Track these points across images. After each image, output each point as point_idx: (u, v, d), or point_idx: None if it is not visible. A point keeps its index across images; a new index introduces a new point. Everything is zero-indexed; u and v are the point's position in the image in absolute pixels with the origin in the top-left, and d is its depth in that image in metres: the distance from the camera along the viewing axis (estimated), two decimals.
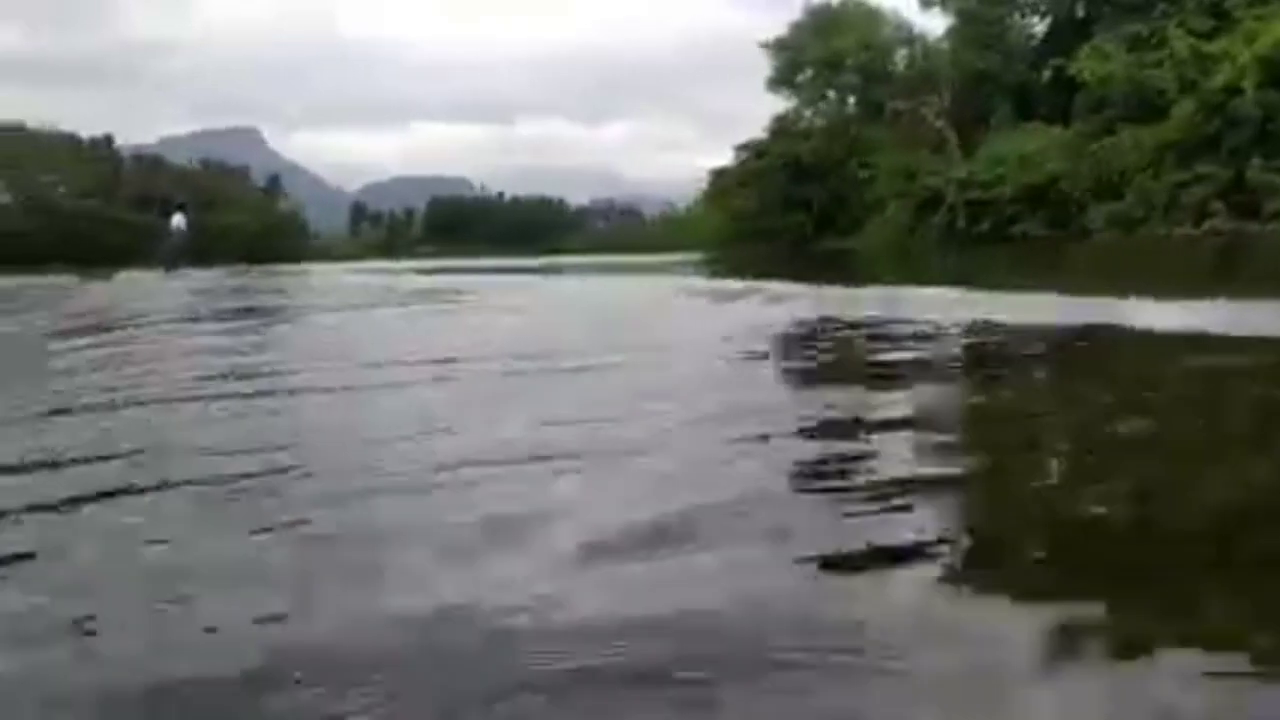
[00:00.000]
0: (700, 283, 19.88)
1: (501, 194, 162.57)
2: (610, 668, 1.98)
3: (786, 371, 6.84)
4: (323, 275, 37.83)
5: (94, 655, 2.16)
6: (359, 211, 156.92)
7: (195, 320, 13.05)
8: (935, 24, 60.73)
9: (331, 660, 2.06)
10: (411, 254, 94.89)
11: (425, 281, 23.05)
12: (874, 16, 63.24)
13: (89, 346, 9.83)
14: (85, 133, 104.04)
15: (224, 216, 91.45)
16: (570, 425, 4.47)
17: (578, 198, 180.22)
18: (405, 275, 30.18)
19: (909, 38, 62.59)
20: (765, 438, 4.12)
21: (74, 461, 4.02)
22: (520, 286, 20.30)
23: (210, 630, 2.25)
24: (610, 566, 2.58)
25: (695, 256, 46.87)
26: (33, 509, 3.31)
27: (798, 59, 64.14)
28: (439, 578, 2.54)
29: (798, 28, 64.34)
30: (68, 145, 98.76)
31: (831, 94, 65.35)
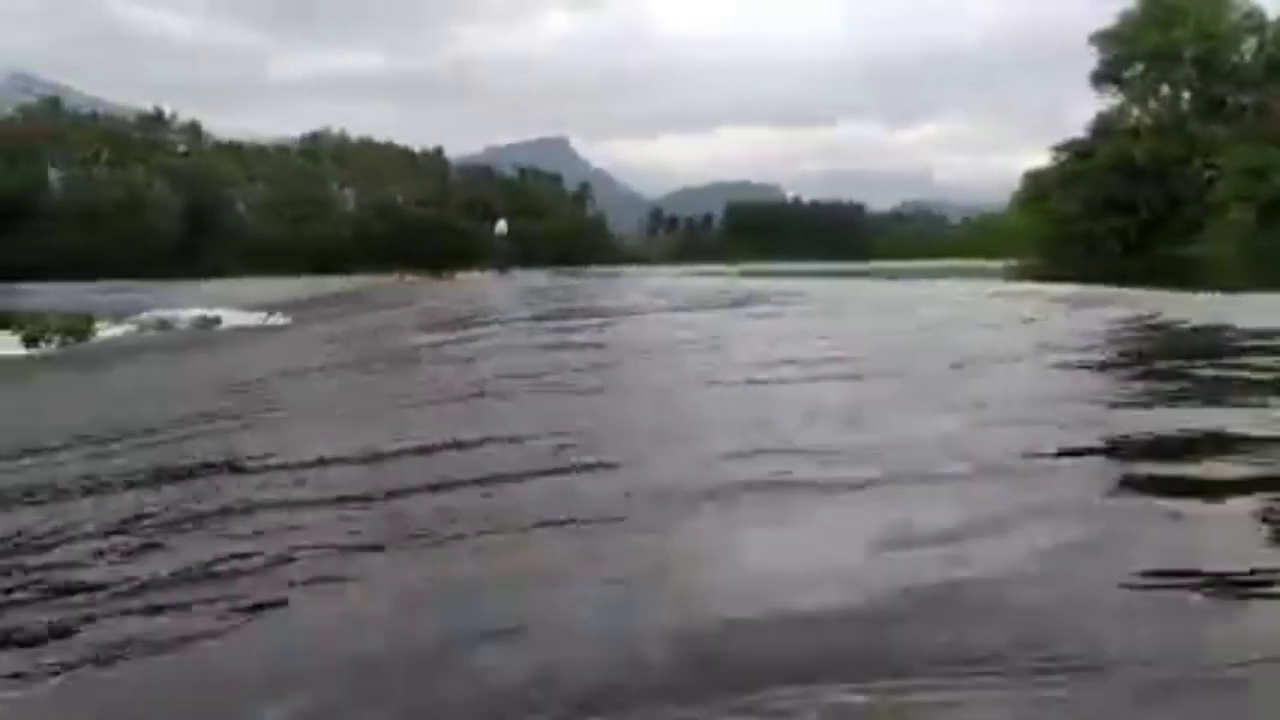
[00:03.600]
0: (1024, 288, 18.85)
1: (798, 198, 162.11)
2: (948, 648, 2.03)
3: (1128, 384, 6.18)
4: (636, 278, 39.16)
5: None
6: (657, 217, 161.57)
7: (539, 319, 13.85)
8: None
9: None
10: (710, 259, 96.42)
11: (739, 284, 23.31)
12: (1217, 4, 57.66)
13: (454, 342, 10.69)
14: (420, 145, 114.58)
15: (539, 223, 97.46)
16: (925, 429, 4.34)
17: (885, 202, 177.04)
18: (714, 278, 30.65)
19: (1258, 24, 56.64)
20: (1108, 452, 3.91)
21: (480, 443, 4.36)
22: (832, 290, 20.08)
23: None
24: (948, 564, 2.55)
25: (1009, 262, 44.61)
26: (473, 481, 3.62)
27: (1128, 52, 59.63)
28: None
29: (1129, 18, 59.78)
30: (405, 156, 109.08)
31: (1165, 88, 60.28)
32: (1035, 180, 63.93)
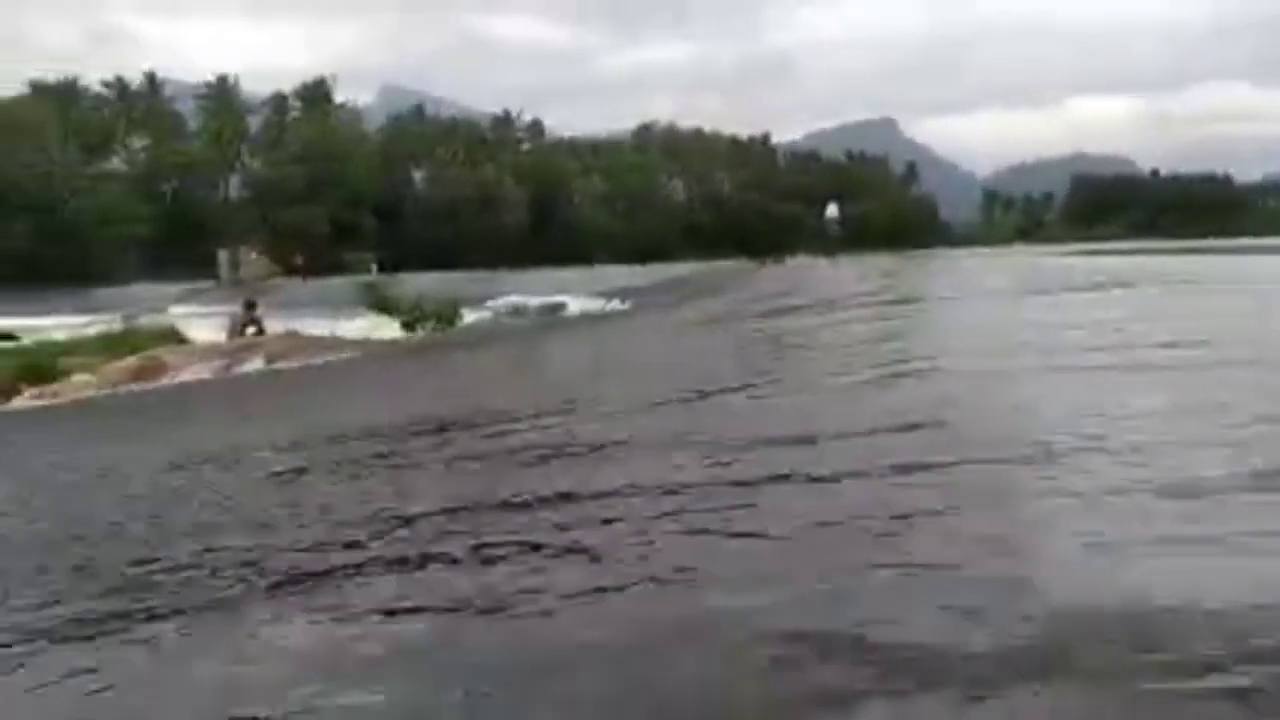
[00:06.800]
0: None
1: (1156, 171, 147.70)
2: None
3: None
4: (978, 259, 37.10)
5: None
6: (991, 197, 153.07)
7: (894, 303, 13.14)
8: None
9: None
10: (1053, 239, 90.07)
11: (1102, 265, 21.22)
12: None
13: (825, 325, 10.27)
14: (745, 132, 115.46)
15: (865, 206, 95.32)
16: None
17: (1256, 172, 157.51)
18: (1069, 258, 28.28)
19: None
20: None
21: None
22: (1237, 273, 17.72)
23: None
24: None
25: None
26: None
27: None
28: None
29: None
30: (733, 145, 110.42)
31: None
32: None
